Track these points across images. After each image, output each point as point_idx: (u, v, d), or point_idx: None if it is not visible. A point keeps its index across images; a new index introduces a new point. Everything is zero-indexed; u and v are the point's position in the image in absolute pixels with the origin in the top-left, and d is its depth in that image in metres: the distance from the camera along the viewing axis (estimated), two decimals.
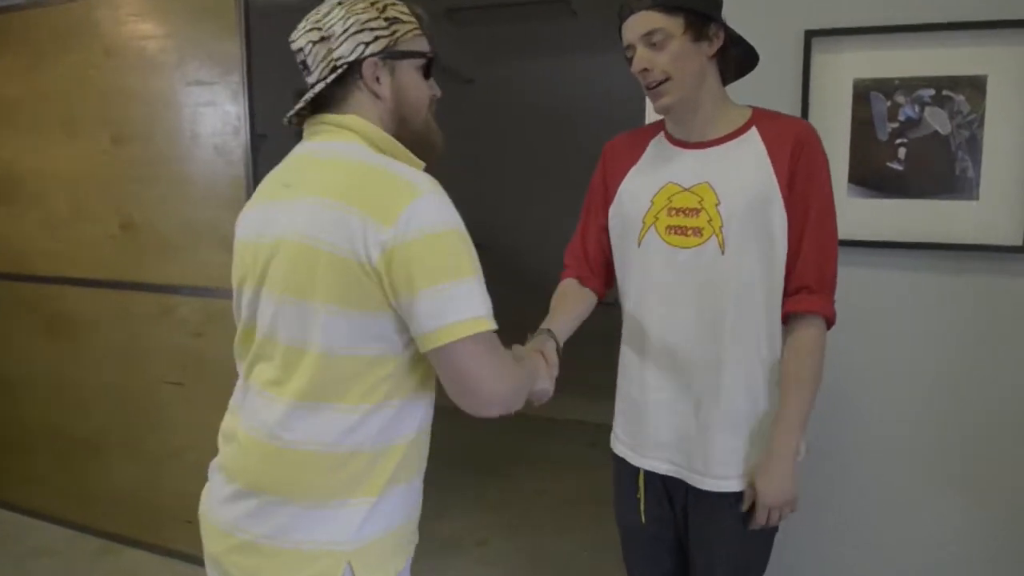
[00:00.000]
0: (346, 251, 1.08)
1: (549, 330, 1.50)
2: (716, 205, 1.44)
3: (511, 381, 1.15)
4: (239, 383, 1.31)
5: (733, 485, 1.47)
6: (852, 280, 1.86)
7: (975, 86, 1.80)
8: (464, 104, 8.44)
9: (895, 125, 1.86)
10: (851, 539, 2.04)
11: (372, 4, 1.20)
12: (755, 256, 1.43)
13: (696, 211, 1.46)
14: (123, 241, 2.87)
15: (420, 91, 1.25)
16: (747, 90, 1.55)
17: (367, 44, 1.18)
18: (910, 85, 1.84)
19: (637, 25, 1.41)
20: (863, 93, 1.88)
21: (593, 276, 1.66)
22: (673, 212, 1.48)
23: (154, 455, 2.95)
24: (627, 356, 1.61)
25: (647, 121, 2.09)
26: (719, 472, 1.48)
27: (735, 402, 1.46)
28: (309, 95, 1.21)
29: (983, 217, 1.83)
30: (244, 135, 2.58)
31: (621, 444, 1.63)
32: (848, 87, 1.89)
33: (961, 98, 1.81)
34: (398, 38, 1.20)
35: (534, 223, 7.84)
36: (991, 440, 1.90)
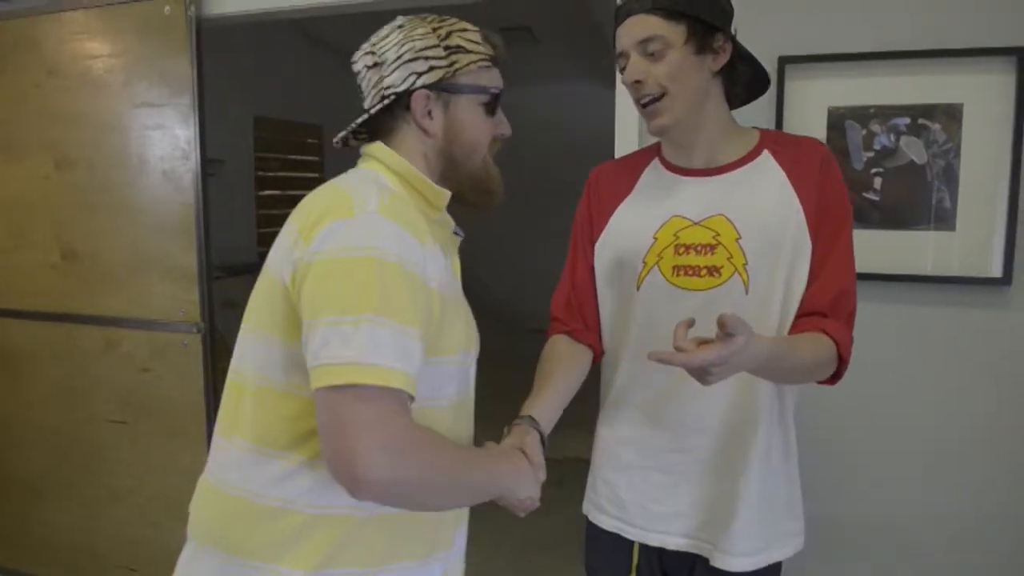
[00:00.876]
0: (275, 269, 1.00)
1: (531, 417, 1.24)
2: (736, 240, 1.27)
3: (404, 467, 0.89)
4: None
5: (760, 561, 1.31)
6: None
7: (951, 115, 1.76)
8: None
9: (871, 154, 1.82)
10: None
11: (434, 30, 1.09)
12: (780, 296, 1.27)
13: (710, 247, 1.28)
14: (65, 271, 2.71)
15: (477, 130, 1.12)
16: None
17: (420, 74, 1.07)
18: (885, 113, 1.80)
19: (634, 30, 1.25)
20: (838, 121, 1.83)
21: (588, 330, 1.43)
22: (681, 250, 1.30)
23: (95, 498, 2.76)
24: (625, 417, 1.40)
25: (616, 150, 2.02)
26: (748, 547, 1.30)
27: (766, 465, 1.31)
28: (355, 123, 1.15)
29: (960, 248, 1.78)
30: (194, 160, 2.46)
31: (609, 517, 1.43)
32: (823, 115, 1.85)
33: (937, 127, 1.77)
34: (457, 69, 1.08)
35: (493, 251, 7.78)
36: (967, 472, 1.85)
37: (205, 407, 2.48)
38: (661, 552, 1.38)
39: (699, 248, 1.29)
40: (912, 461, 1.88)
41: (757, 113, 1.86)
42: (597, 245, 1.42)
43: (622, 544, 1.41)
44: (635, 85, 1.27)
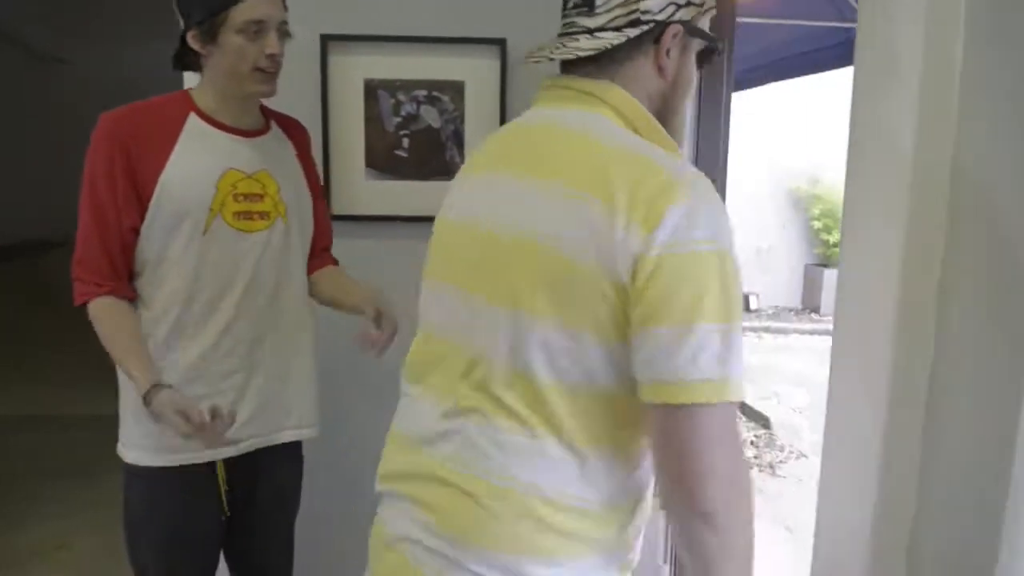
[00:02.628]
0: (587, 258, 0.90)
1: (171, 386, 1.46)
2: (278, 191, 1.65)
3: (740, 484, 0.89)
4: (433, 407, 1.09)
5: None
6: (369, 251, 2.14)
7: (456, 89, 2.22)
8: (55, 86, 7.67)
9: (399, 119, 2.22)
10: None
11: None
12: (306, 235, 1.75)
13: (260, 196, 1.62)
14: None
15: (693, 80, 1.06)
16: None
17: (679, 7, 0.98)
18: (409, 86, 2.21)
19: (277, 8, 1.54)
20: (372, 91, 2.21)
21: (127, 287, 1.56)
22: (240, 198, 1.59)
23: None
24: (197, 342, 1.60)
25: None
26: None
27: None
28: (595, 44, 0.99)
29: None
30: None
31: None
32: (360, 85, 2.20)
33: (447, 98, 2.22)
34: (705, 10, 1.02)
35: None
36: None
37: None
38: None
39: (252, 197, 1.62)
40: None
41: (306, 84, 2.16)
42: (153, 198, 1.51)
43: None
44: (271, 58, 1.54)
